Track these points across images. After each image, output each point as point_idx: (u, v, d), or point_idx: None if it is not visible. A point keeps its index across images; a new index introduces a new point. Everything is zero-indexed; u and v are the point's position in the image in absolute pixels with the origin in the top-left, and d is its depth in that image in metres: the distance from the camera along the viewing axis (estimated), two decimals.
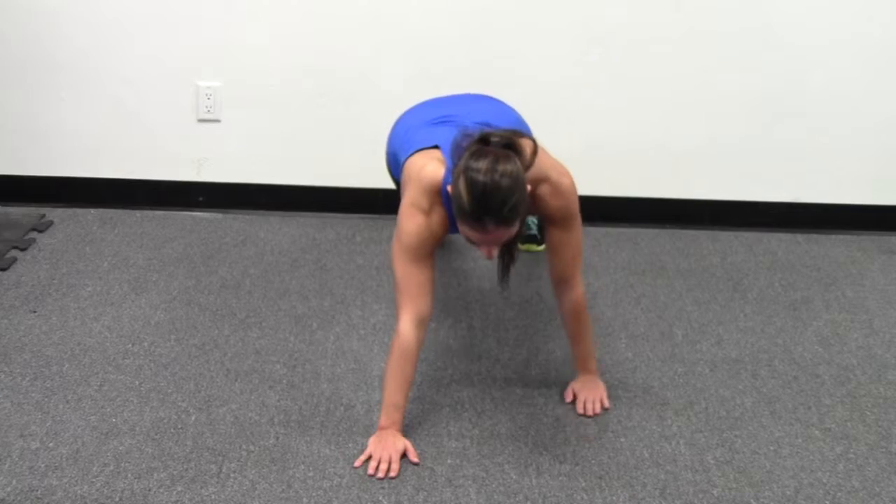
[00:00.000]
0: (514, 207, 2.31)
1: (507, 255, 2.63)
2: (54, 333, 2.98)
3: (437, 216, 2.51)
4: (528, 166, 2.37)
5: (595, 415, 2.71)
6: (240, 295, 3.24)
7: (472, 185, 2.29)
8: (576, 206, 2.61)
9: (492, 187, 2.27)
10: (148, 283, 3.28)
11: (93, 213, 3.75)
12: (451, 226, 2.55)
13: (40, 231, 3.60)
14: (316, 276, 3.37)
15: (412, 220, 2.50)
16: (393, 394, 2.53)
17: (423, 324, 2.53)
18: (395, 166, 2.79)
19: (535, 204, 2.51)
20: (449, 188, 2.39)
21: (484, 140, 2.36)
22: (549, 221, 2.62)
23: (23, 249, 3.46)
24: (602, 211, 3.77)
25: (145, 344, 2.95)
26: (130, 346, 2.94)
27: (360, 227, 3.73)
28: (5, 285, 3.24)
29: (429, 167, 2.52)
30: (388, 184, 3.72)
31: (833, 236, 3.77)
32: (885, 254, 3.67)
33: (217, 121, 3.74)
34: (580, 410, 2.73)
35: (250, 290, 3.27)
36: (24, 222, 3.64)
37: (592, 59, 3.64)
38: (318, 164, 3.80)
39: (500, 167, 2.29)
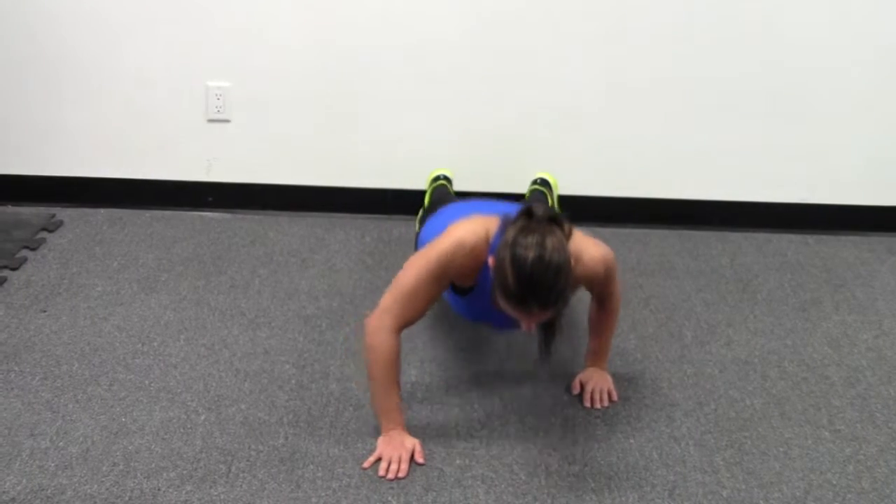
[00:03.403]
0: (560, 292, 2.25)
1: (549, 330, 2.51)
2: (64, 333, 2.99)
3: (473, 265, 2.45)
4: (567, 237, 2.33)
5: (602, 407, 2.72)
6: (249, 295, 3.24)
7: (519, 262, 2.22)
8: (613, 275, 2.61)
9: (540, 267, 2.21)
10: (157, 283, 3.29)
11: (102, 213, 3.75)
12: (477, 289, 2.51)
13: (50, 231, 3.61)
14: (325, 276, 3.38)
15: (458, 244, 2.43)
16: (387, 399, 2.51)
17: (402, 331, 2.48)
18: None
19: (573, 285, 2.41)
20: (490, 260, 2.33)
21: (528, 214, 2.30)
22: (589, 289, 2.63)
23: (33, 249, 3.47)
24: (611, 211, 3.78)
25: (155, 344, 2.96)
26: (140, 345, 2.94)
27: (368, 227, 3.73)
28: (16, 285, 3.25)
29: (493, 223, 2.44)
30: (397, 184, 3.76)
31: (843, 237, 3.77)
32: (894, 255, 3.66)
33: (227, 121, 3.74)
34: (587, 402, 2.73)
35: (259, 290, 3.27)
36: (34, 222, 3.65)
37: (599, 61, 3.64)
38: (327, 165, 3.80)
39: (549, 243, 2.23)
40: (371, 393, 2.55)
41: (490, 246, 2.42)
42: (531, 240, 2.23)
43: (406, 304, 2.46)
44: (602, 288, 2.64)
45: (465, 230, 2.46)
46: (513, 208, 2.46)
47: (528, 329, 2.36)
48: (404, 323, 2.48)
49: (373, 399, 2.56)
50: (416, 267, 2.47)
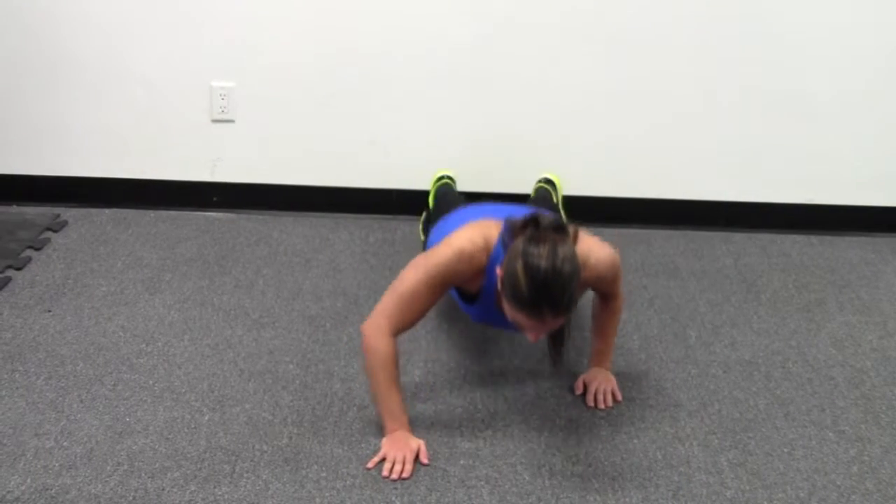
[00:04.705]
0: (572, 296, 2.27)
1: (558, 337, 2.56)
2: (68, 333, 2.99)
3: (472, 272, 2.47)
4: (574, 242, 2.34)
5: (606, 407, 2.72)
6: (253, 295, 3.24)
7: (532, 271, 2.22)
8: (619, 275, 2.62)
9: (553, 276, 2.22)
10: (162, 283, 3.29)
11: (107, 213, 3.76)
12: (482, 297, 2.52)
13: (55, 231, 3.61)
14: (329, 276, 3.38)
15: (456, 254, 2.45)
16: (389, 399, 2.51)
17: (398, 335, 2.50)
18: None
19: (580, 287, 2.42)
20: (498, 269, 2.34)
21: (535, 221, 2.31)
22: (595, 289, 2.64)
23: (37, 249, 3.47)
24: (615, 212, 3.77)
25: (159, 344, 2.96)
26: (144, 345, 2.95)
27: (373, 227, 3.74)
28: (20, 285, 3.25)
29: (493, 229, 2.47)
30: (401, 184, 3.76)
31: (847, 238, 3.76)
32: None
33: (231, 121, 3.74)
34: (590, 402, 2.73)
35: (263, 291, 3.27)
36: (38, 222, 3.65)
37: (604, 61, 3.64)
38: (332, 165, 3.80)
39: (561, 252, 2.24)
40: (373, 394, 2.57)
41: (491, 254, 2.45)
42: (543, 249, 2.24)
43: (403, 309, 2.48)
44: (608, 288, 2.65)
45: (464, 239, 2.47)
46: (517, 211, 2.47)
47: (534, 339, 2.36)
48: (401, 327, 2.50)
49: (375, 400, 2.57)
50: (414, 274, 2.48)
